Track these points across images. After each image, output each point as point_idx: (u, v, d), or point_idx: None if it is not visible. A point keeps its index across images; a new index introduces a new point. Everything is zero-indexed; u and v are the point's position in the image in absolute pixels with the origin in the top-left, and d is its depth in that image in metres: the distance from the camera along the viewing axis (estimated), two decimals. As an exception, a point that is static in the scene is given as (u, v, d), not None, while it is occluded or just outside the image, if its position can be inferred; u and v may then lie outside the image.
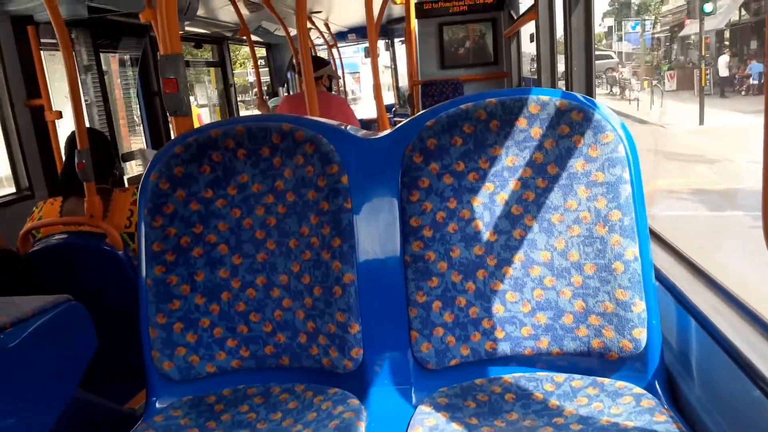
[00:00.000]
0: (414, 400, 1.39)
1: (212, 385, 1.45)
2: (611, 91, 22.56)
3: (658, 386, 1.31)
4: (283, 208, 1.47)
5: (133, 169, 4.64)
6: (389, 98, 10.97)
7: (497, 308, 1.40)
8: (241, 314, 1.47)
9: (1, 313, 1.43)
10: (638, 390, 1.27)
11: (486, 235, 1.40)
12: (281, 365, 1.47)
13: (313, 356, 1.43)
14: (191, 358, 1.44)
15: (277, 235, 1.47)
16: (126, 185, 3.79)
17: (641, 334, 1.30)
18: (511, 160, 1.40)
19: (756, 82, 18.04)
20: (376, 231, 1.46)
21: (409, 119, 1.49)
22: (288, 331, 1.45)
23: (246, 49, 8.64)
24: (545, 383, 1.34)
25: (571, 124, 1.36)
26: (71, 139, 2.50)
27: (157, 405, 1.43)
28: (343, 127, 1.54)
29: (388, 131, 1.50)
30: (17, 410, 1.38)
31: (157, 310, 1.44)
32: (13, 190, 3.18)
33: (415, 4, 5.76)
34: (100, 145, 2.42)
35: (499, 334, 1.39)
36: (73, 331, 1.63)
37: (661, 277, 1.42)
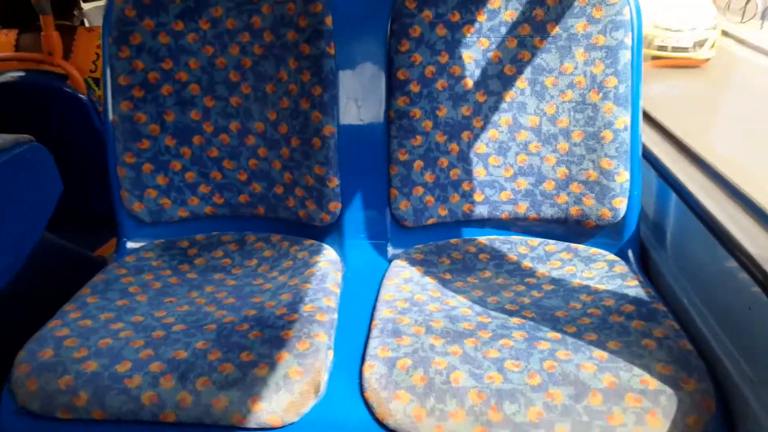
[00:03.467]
0: (390, 255, 1.40)
1: (185, 230, 1.42)
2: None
3: (631, 254, 1.33)
4: (260, 49, 1.38)
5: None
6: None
7: (478, 171, 1.37)
8: (214, 160, 1.41)
9: None
10: (611, 257, 1.30)
11: (475, 95, 1.35)
12: (256, 215, 1.44)
13: (290, 208, 1.40)
14: (162, 201, 1.40)
15: (253, 78, 1.39)
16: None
17: (621, 204, 1.30)
18: (510, 14, 1.32)
19: None
20: (359, 81, 1.39)
21: None
22: (264, 181, 1.41)
23: None
24: (519, 246, 1.36)
25: None
26: None
27: (128, 246, 1.40)
28: None
29: None
30: None
31: (124, 149, 1.37)
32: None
33: None
34: None
35: (478, 197, 1.38)
36: (37, 172, 1.57)
37: (646, 152, 1.41)
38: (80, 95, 2.05)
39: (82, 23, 2.40)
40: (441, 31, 1.33)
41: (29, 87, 2.07)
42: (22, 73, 2.07)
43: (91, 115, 2.08)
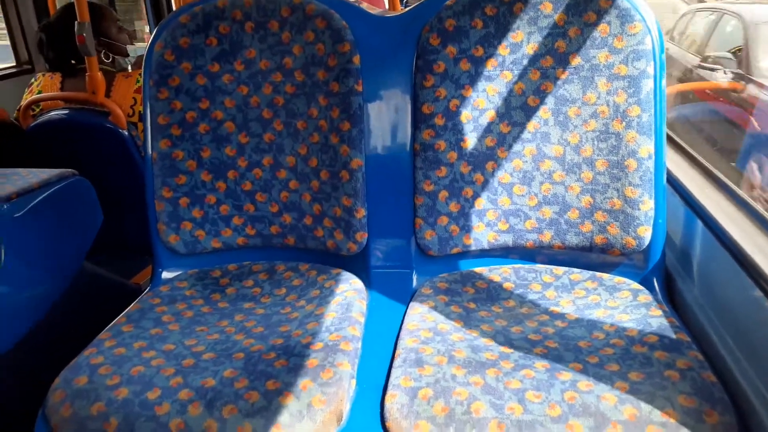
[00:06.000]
0: (414, 284, 1.42)
1: (218, 260, 1.47)
2: None
3: (656, 283, 1.33)
4: (292, 88, 1.43)
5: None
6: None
7: (503, 201, 1.39)
8: (248, 193, 1.46)
9: (8, 183, 1.43)
10: (636, 285, 1.29)
11: (499, 126, 1.37)
12: (286, 245, 1.48)
13: (318, 238, 1.44)
14: (197, 233, 1.45)
15: (285, 115, 1.44)
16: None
17: (646, 232, 1.30)
18: (532, 47, 1.34)
19: None
20: (386, 116, 1.43)
21: None
22: (294, 212, 1.46)
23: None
24: (544, 275, 1.36)
25: (599, 12, 1.29)
26: (69, 11, 2.39)
27: (163, 276, 1.46)
28: (357, 3, 1.47)
29: (405, 10, 1.44)
30: (25, 280, 1.40)
31: (163, 184, 1.43)
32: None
33: None
34: (100, 20, 2.31)
35: (503, 226, 1.40)
36: (79, 204, 1.64)
37: (671, 178, 1.40)
38: (121, 130, 2.14)
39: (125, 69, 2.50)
40: (465, 65, 1.36)
41: (73, 124, 2.18)
42: (66, 111, 2.18)
43: (130, 148, 2.17)
